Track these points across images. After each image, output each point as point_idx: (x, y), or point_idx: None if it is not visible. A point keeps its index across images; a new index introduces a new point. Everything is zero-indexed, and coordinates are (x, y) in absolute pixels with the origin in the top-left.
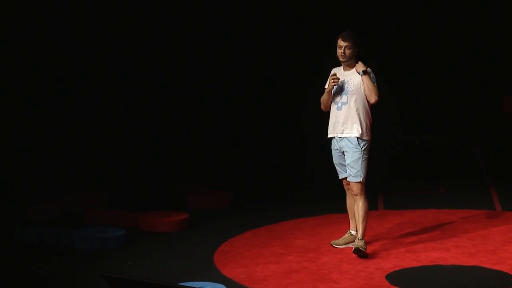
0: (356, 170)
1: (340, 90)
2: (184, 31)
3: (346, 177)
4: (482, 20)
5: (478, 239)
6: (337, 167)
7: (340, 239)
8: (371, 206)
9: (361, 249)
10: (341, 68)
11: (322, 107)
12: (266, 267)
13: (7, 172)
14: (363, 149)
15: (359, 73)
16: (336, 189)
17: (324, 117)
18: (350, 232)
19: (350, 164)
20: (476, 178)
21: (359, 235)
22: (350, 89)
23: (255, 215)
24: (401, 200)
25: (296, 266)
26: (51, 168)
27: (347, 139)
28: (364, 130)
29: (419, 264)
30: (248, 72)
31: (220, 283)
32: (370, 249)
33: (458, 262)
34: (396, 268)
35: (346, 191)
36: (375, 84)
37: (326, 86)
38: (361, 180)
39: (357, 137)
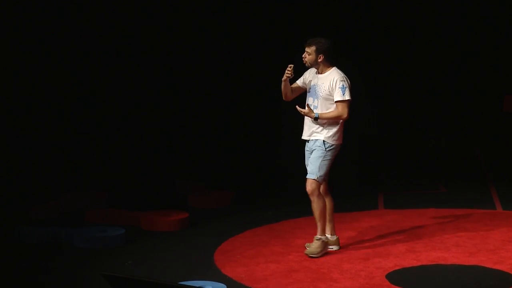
0: (313, 167)
1: (313, 92)
2: (182, 31)
3: None
4: (483, 18)
5: (478, 238)
6: (307, 168)
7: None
8: (371, 205)
9: (311, 255)
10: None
11: (283, 97)
12: (266, 266)
13: (7, 171)
14: (327, 149)
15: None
16: (335, 188)
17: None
18: (326, 236)
19: (310, 161)
20: (476, 178)
21: (318, 233)
22: (320, 94)
23: (255, 214)
24: (402, 199)
25: (296, 265)
26: (51, 167)
27: (315, 140)
28: (331, 135)
29: (420, 264)
30: (249, 71)
31: (220, 282)
32: (370, 248)
33: (459, 261)
34: (397, 268)
35: None
36: (345, 98)
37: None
38: (315, 178)
39: (323, 140)
